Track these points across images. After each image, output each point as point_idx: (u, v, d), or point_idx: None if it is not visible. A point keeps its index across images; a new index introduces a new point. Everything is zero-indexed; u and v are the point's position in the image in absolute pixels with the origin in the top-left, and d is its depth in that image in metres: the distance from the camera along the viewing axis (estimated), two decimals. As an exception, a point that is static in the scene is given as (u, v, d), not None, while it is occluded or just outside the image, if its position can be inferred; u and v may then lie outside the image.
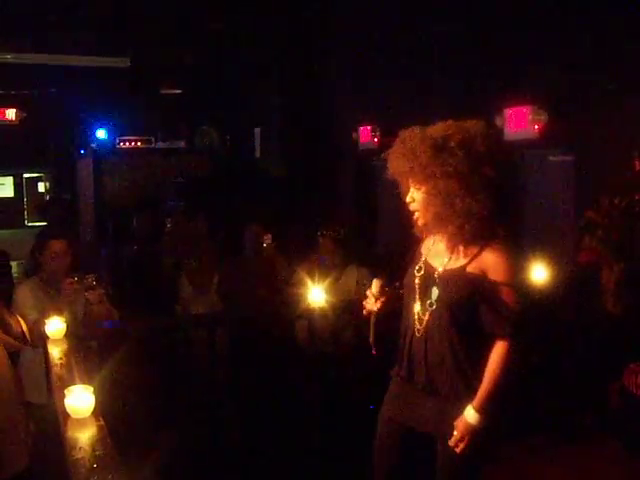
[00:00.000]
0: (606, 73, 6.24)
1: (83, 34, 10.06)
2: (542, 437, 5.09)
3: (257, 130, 11.78)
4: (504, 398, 2.66)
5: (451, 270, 2.71)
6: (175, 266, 5.68)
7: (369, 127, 8.67)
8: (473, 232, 2.61)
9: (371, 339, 2.84)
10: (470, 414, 2.62)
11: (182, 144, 12.50)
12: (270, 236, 5.87)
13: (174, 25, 10.01)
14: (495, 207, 2.57)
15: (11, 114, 12.61)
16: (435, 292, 2.71)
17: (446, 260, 2.75)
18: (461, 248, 2.70)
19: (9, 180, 16.52)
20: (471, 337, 2.66)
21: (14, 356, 3.79)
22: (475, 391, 2.67)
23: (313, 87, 9.81)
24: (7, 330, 3.29)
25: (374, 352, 2.83)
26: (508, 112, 7.06)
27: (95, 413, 2.44)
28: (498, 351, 2.63)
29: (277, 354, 4.85)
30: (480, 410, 2.61)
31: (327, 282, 4.39)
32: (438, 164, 2.56)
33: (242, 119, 11.96)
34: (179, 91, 12.36)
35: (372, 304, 2.82)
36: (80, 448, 2.22)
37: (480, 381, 2.67)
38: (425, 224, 2.75)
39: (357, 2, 9.07)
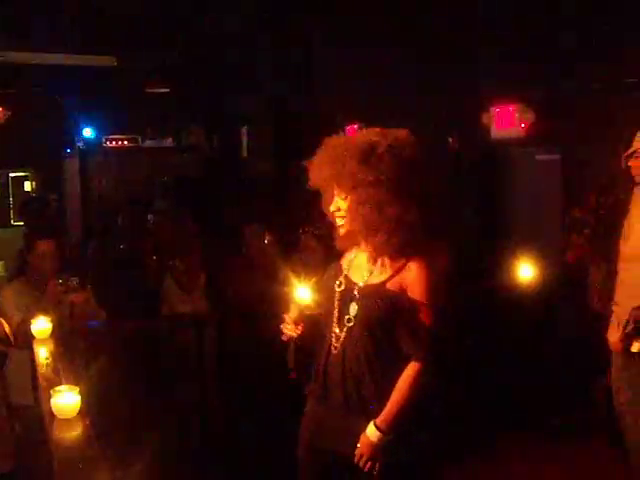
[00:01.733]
0: (591, 72, 6.27)
1: (69, 33, 10.00)
2: (532, 435, 5.12)
3: (244, 129, 11.77)
4: (413, 417, 2.57)
5: (371, 285, 2.62)
6: (160, 266, 5.64)
7: (356, 126, 8.70)
8: (401, 242, 2.52)
9: (290, 364, 2.77)
10: (371, 430, 2.55)
11: (169, 143, 12.46)
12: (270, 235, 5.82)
13: (160, 24, 9.98)
14: (423, 218, 2.50)
15: (-4, 113, 12.54)
16: (354, 308, 2.61)
17: (367, 275, 2.66)
18: (386, 261, 2.62)
19: (-6, 179, 16.41)
20: (389, 355, 2.58)
21: (-1, 357, 3.78)
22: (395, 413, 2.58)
23: (300, 86, 9.81)
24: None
25: (293, 376, 2.79)
26: (495, 111, 7.07)
27: (81, 413, 2.43)
28: (409, 371, 2.55)
29: (264, 353, 4.84)
30: (381, 427, 2.54)
31: (313, 280, 4.37)
32: (366, 171, 2.48)
33: (229, 118, 11.95)
34: (166, 90, 12.32)
35: (291, 330, 2.71)
36: (66, 448, 2.21)
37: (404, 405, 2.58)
38: (349, 234, 2.65)
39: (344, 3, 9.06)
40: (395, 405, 2.55)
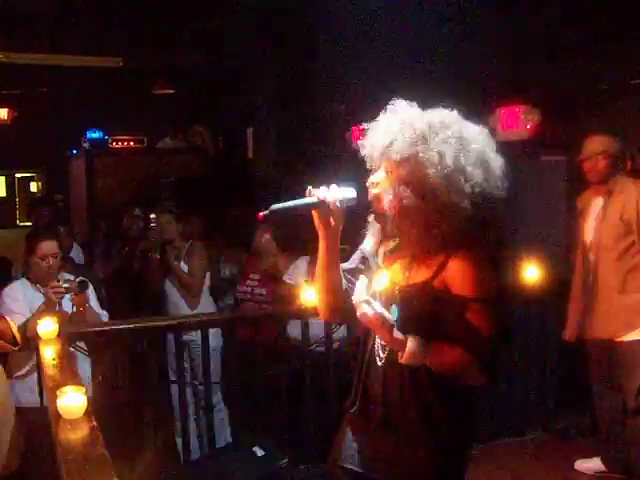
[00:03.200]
0: (598, 74, 6.26)
1: (76, 34, 10.02)
2: (537, 436, 5.12)
3: (249, 130, 11.77)
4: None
5: (414, 285, 2.28)
6: (163, 266, 5.63)
7: (362, 127, 8.65)
8: (441, 239, 2.22)
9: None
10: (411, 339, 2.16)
11: (175, 144, 12.48)
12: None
13: (167, 25, 9.99)
14: (473, 215, 2.19)
15: (3, 114, 12.58)
16: (396, 312, 2.23)
17: (406, 272, 2.33)
18: (423, 257, 2.29)
19: (1, 180, 16.49)
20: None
21: (4, 357, 3.78)
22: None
23: (305, 87, 9.81)
24: (-3, 332, 3.28)
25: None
26: (500, 111, 7.07)
27: (87, 414, 2.43)
28: (458, 352, 2.17)
29: (271, 354, 4.84)
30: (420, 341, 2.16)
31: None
32: (425, 146, 2.19)
33: (234, 119, 11.95)
34: (171, 91, 12.35)
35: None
36: (72, 449, 2.22)
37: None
38: (384, 218, 2.30)
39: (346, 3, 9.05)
40: (442, 352, 2.20)
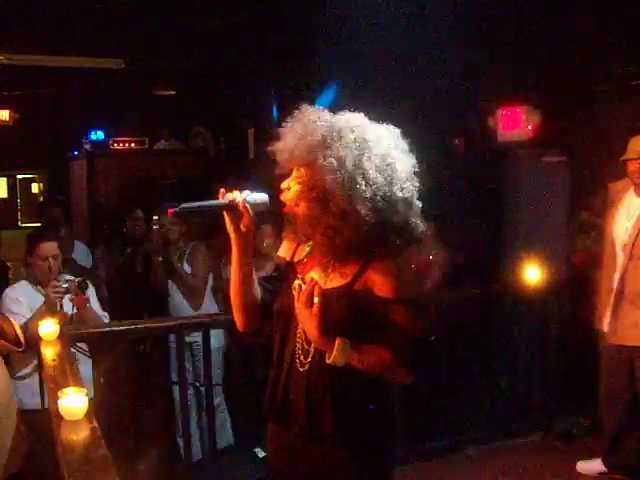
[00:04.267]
0: (599, 75, 6.26)
1: (77, 35, 10.03)
2: (539, 437, 5.12)
3: (251, 131, 11.76)
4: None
5: (332, 289, 2.23)
6: (166, 268, 5.63)
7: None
8: (345, 246, 2.19)
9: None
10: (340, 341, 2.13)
11: (170, 145, 12.48)
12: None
13: (168, 26, 10.00)
14: (378, 220, 2.13)
15: (5, 115, 12.59)
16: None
17: (324, 277, 2.28)
18: (337, 264, 2.26)
19: (2, 181, 16.49)
20: (358, 374, 2.19)
21: (6, 358, 3.78)
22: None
23: (306, 87, 9.81)
24: (0, 334, 3.28)
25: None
26: (501, 112, 7.07)
27: (88, 415, 2.43)
28: (387, 354, 2.16)
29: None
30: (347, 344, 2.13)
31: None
32: (324, 150, 2.14)
33: (236, 120, 11.95)
34: (173, 92, 12.35)
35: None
36: (73, 450, 2.22)
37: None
38: (292, 223, 2.29)
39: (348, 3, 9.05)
40: (370, 354, 2.17)
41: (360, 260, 2.23)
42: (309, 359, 2.27)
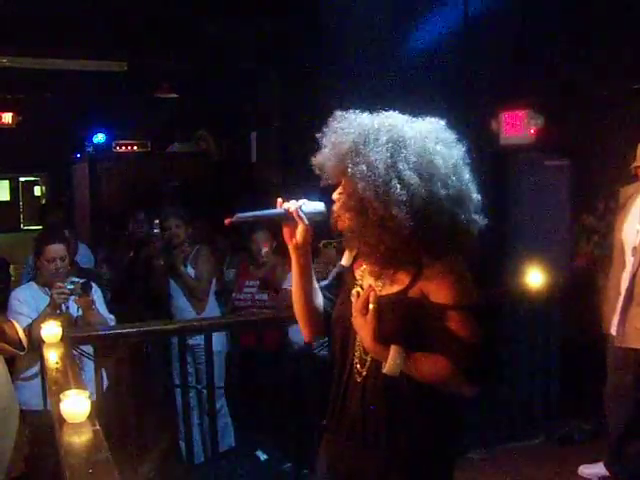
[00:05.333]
0: (602, 78, 6.27)
1: (80, 38, 10.04)
2: (540, 441, 5.12)
3: (253, 134, 11.78)
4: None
5: (388, 296, 2.19)
6: (168, 271, 5.62)
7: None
8: (392, 253, 2.13)
9: None
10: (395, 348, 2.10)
11: (183, 148, 12.51)
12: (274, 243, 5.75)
13: (171, 29, 10.01)
14: (422, 222, 2.06)
15: (8, 118, 12.62)
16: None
17: (380, 284, 2.24)
18: (391, 271, 2.21)
19: (5, 184, 16.51)
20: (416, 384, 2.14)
21: (9, 361, 3.79)
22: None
23: (310, 91, 9.82)
24: (2, 337, 3.29)
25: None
26: (504, 116, 7.08)
27: (91, 418, 2.43)
28: (441, 362, 2.10)
29: (274, 359, 4.84)
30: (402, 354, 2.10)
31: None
32: (354, 157, 2.09)
33: (238, 123, 11.96)
34: (176, 95, 12.37)
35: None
36: (76, 453, 2.22)
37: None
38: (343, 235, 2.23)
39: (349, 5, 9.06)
40: (424, 362, 2.12)
41: (413, 266, 2.16)
42: (366, 369, 2.22)
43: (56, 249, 4.25)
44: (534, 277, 5.08)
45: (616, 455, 4.46)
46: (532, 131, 6.94)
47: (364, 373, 2.23)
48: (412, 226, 2.05)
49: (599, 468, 4.53)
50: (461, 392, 2.18)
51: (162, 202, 9.00)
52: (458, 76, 7.58)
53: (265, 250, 5.38)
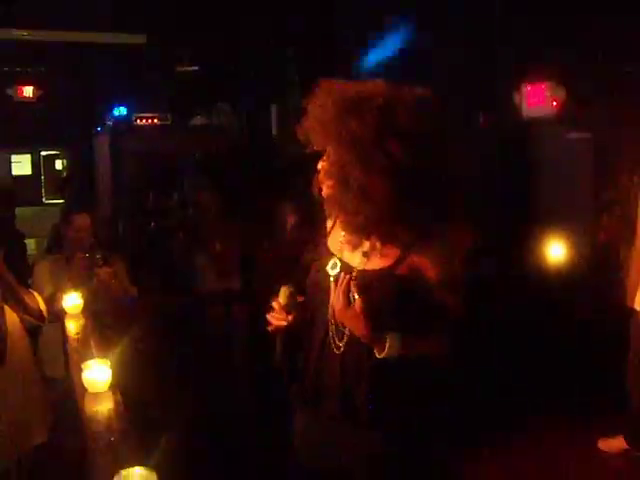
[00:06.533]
0: (626, 51, 6.17)
1: (99, 10, 10.03)
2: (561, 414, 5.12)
3: (273, 107, 11.74)
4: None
5: (373, 271, 2.16)
6: (187, 244, 5.63)
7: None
8: (370, 226, 2.10)
9: (281, 364, 2.38)
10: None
11: (204, 120, 12.50)
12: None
13: (190, 1, 9.97)
14: (404, 195, 2.02)
15: (29, 91, 12.62)
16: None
17: (363, 257, 2.19)
18: (378, 245, 2.17)
19: (27, 158, 16.55)
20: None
21: (33, 331, 3.82)
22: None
23: (330, 63, 9.76)
24: (24, 308, 3.32)
25: (286, 380, 2.37)
26: (526, 88, 7.00)
27: (112, 387, 2.46)
28: (436, 338, 2.16)
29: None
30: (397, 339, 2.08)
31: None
32: (339, 126, 2.04)
33: (258, 96, 11.93)
34: (196, 68, 12.32)
35: (280, 319, 2.28)
36: (97, 422, 2.25)
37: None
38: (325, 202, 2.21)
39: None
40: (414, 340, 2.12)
41: (401, 241, 2.13)
42: (344, 343, 2.19)
43: (82, 219, 4.32)
44: (556, 251, 5.06)
45: (636, 428, 4.45)
46: (555, 104, 6.86)
47: (342, 347, 2.19)
48: (394, 198, 2.03)
49: (619, 441, 4.51)
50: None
51: (184, 175, 9.01)
52: (481, 49, 7.50)
53: (291, 222, 5.35)
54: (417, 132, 2.04)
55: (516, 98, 7.06)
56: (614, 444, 4.54)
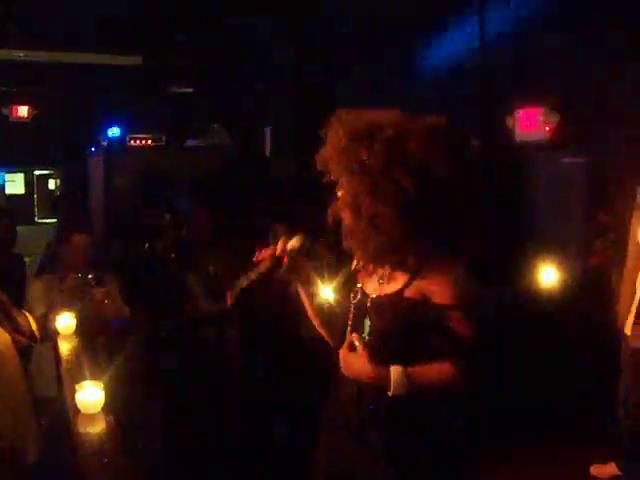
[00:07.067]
0: (619, 75, 6.22)
1: (95, 32, 10.07)
2: (553, 440, 5.10)
3: (267, 129, 11.79)
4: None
5: (385, 296, 2.20)
6: (180, 265, 5.62)
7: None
8: (382, 253, 2.14)
9: (244, 283, 2.43)
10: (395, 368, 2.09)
11: (200, 142, 12.55)
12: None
13: (186, 23, 10.02)
14: (412, 224, 2.07)
15: (23, 111, 12.64)
16: (367, 324, 2.20)
17: (377, 284, 2.25)
18: (388, 271, 2.22)
19: (20, 177, 16.58)
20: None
21: (24, 351, 3.81)
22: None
23: (325, 87, 9.82)
24: (16, 328, 3.31)
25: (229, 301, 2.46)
26: (519, 113, 7.04)
27: (104, 409, 2.45)
28: (444, 367, 2.11)
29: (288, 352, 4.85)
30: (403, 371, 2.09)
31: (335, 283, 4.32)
32: (350, 155, 2.10)
33: (253, 118, 11.98)
34: (190, 90, 12.38)
35: (274, 253, 2.43)
36: (90, 443, 2.24)
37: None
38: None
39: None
40: (422, 374, 2.12)
41: (407, 267, 2.16)
42: None
43: (81, 238, 4.32)
44: (549, 275, 5.07)
45: (629, 455, 4.44)
46: (547, 129, 6.90)
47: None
48: (402, 227, 2.07)
49: (611, 467, 4.50)
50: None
51: (176, 195, 9.00)
52: (474, 76, 7.56)
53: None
54: (427, 162, 2.07)
55: (509, 123, 7.10)
56: (606, 470, 4.53)
